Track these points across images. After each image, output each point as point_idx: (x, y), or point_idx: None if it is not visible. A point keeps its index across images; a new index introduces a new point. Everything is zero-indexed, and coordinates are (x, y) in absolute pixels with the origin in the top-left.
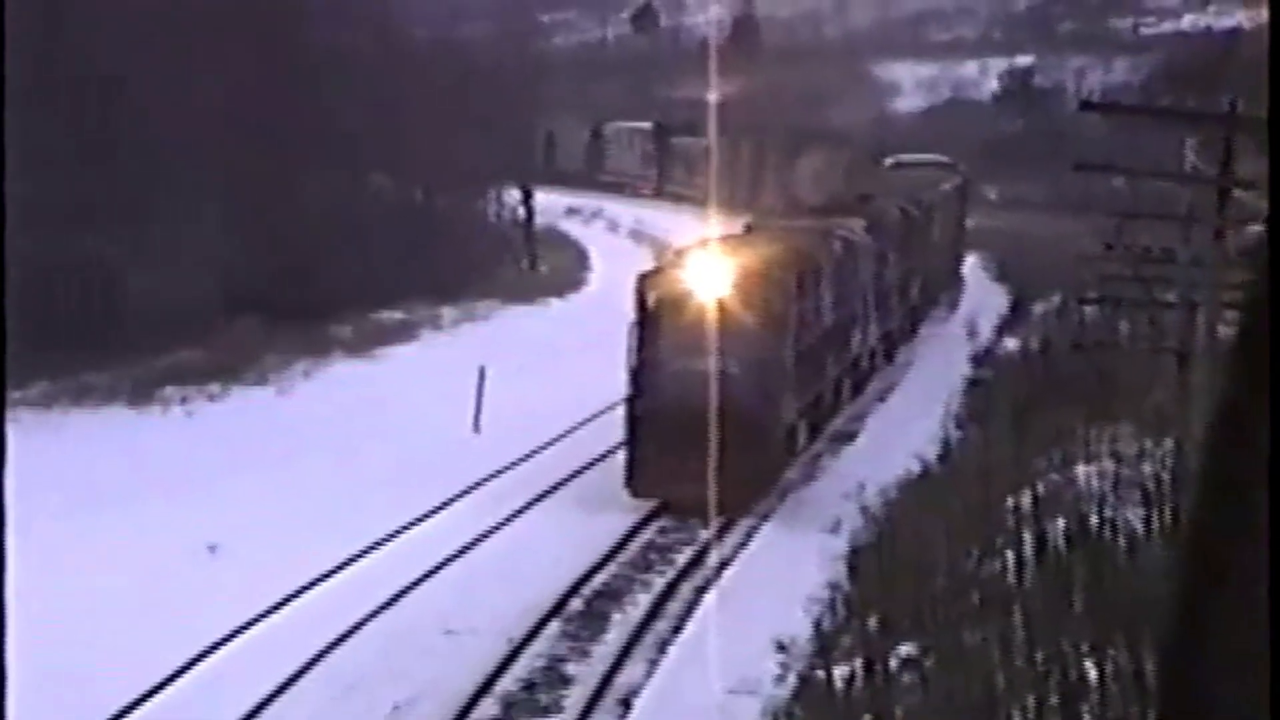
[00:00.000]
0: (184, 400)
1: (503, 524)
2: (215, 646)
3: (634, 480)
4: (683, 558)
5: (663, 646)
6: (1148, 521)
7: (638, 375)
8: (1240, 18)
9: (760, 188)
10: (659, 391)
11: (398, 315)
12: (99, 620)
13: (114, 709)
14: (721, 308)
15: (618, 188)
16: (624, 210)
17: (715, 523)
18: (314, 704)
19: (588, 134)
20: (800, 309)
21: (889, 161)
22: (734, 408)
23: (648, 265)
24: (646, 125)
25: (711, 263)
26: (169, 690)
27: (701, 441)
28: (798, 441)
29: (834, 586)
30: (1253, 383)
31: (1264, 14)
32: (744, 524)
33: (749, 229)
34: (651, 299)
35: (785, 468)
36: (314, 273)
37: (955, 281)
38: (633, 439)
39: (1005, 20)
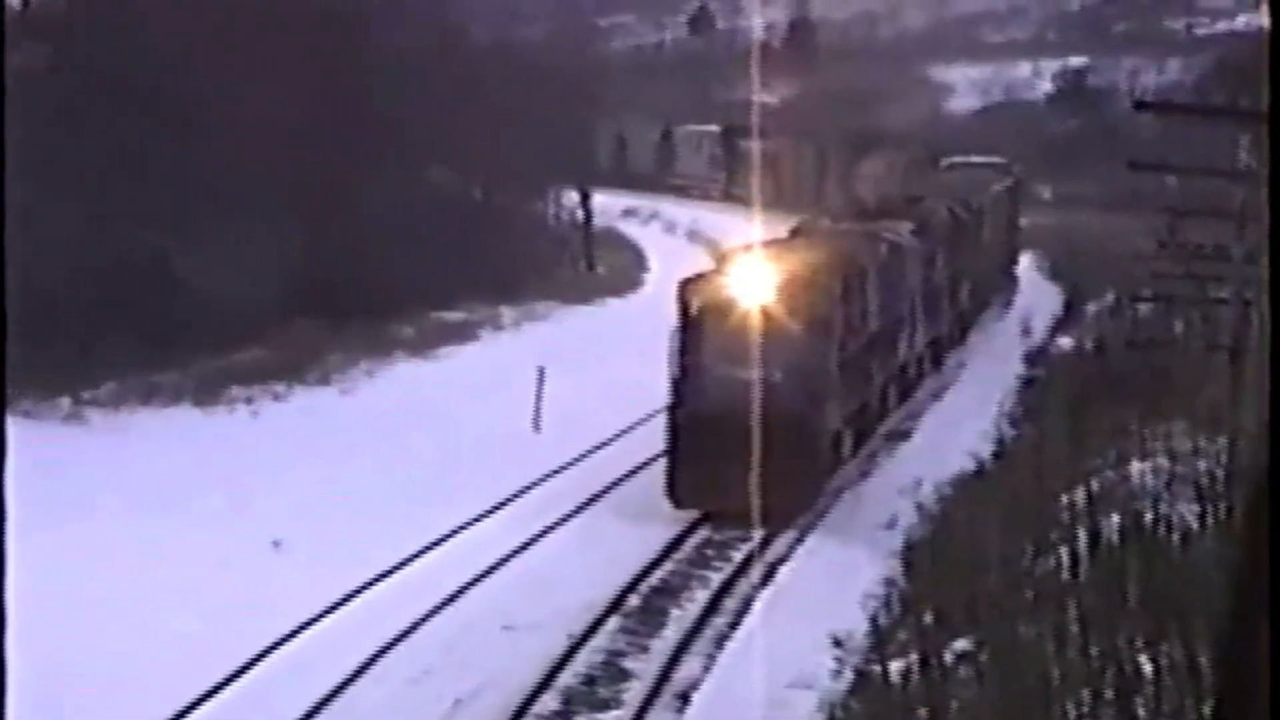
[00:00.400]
0: (249, 400)
1: (562, 521)
2: (280, 642)
3: (675, 490)
4: (739, 554)
5: (720, 642)
6: (1202, 517)
7: (679, 383)
8: None
9: (824, 189)
10: (701, 400)
11: (458, 315)
12: (167, 615)
13: (182, 703)
14: (765, 314)
15: (686, 190)
16: (681, 212)
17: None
18: (378, 698)
19: (658, 136)
20: (845, 314)
21: (944, 163)
22: (778, 416)
23: (704, 265)
24: (715, 128)
25: (755, 268)
26: (235, 685)
27: (744, 451)
28: (843, 450)
29: (889, 582)
30: None
31: None
32: (800, 520)
33: (795, 232)
34: (694, 305)
35: (831, 477)
36: (376, 274)
37: (1009, 281)
38: (674, 448)
39: (1059, 21)
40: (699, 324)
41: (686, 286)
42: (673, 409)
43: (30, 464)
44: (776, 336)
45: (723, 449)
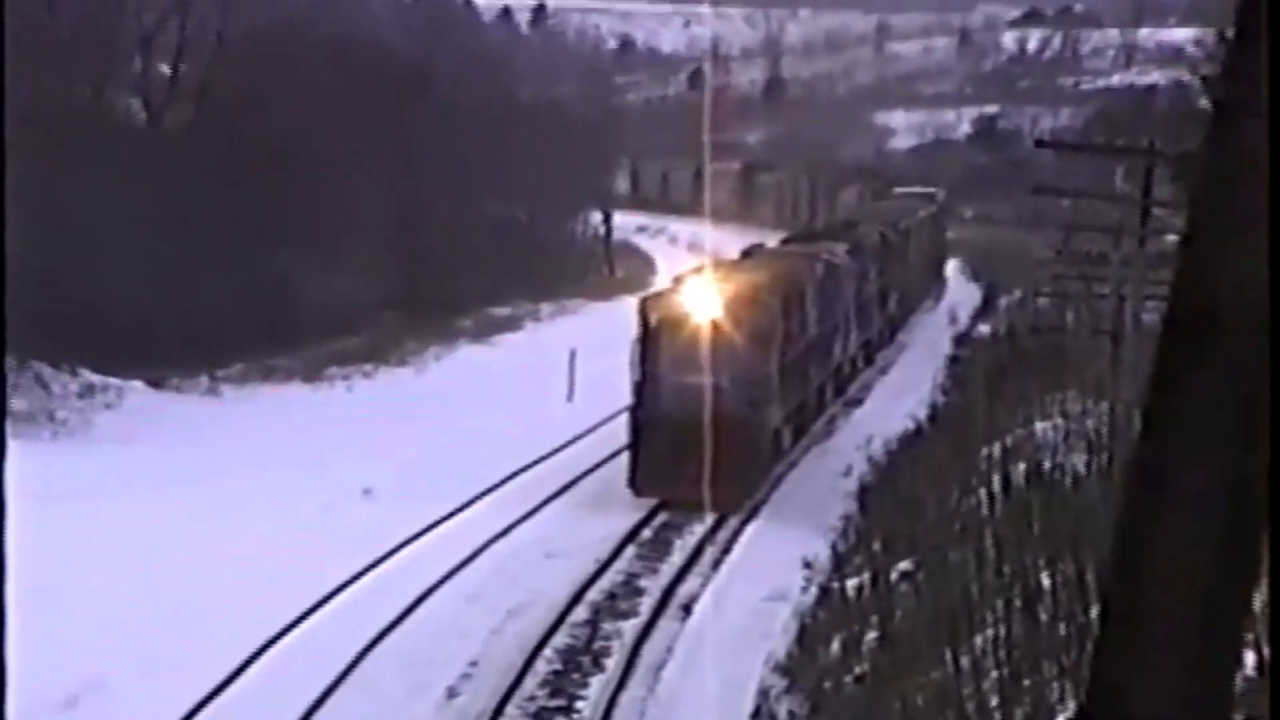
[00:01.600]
0: (345, 377)
1: (591, 471)
2: (370, 567)
3: (636, 481)
4: None
5: (715, 565)
6: (1089, 465)
7: (640, 387)
8: (1156, 76)
9: (815, 212)
10: (658, 403)
11: (507, 310)
12: (285, 545)
13: (299, 610)
14: (714, 327)
15: (710, 215)
16: (683, 228)
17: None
18: (448, 609)
19: (691, 173)
20: (785, 327)
21: (895, 192)
22: (725, 418)
23: (696, 268)
24: (736, 166)
25: (706, 287)
26: (339, 597)
27: (697, 448)
28: (783, 445)
29: (847, 518)
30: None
31: (1173, 74)
32: (778, 469)
33: (745, 254)
34: (653, 319)
35: (772, 469)
36: (444, 279)
37: (938, 282)
38: (635, 444)
39: (976, 78)
40: (657, 336)
41: (646, 302)
42: (634, 410)
43: (179, 424)
44: (724, 347)
45: (677, 446)
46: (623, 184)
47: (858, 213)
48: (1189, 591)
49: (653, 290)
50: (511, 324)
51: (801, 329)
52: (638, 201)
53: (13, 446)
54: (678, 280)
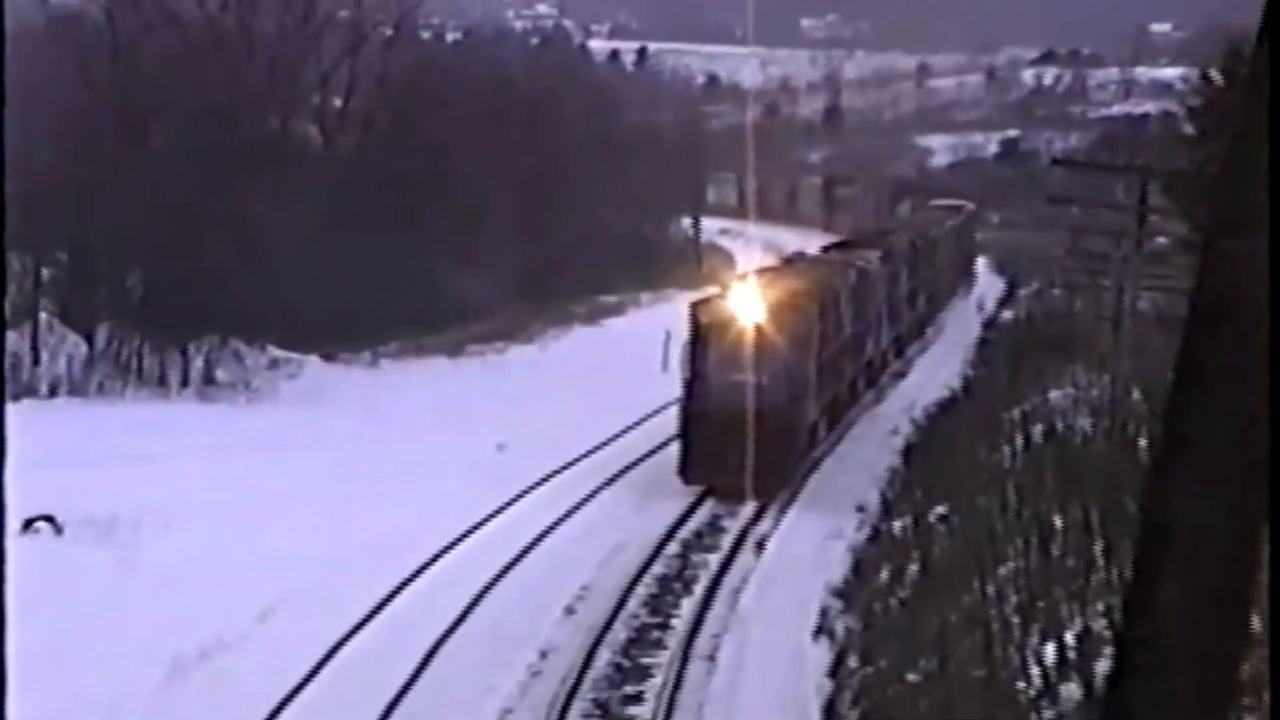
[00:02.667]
0: (481, 354)
1: None
2: (502, 509)
3: (686, 470)
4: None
5: (784, 509)
6: (1094, 426)
7: (690, 384)
8: (1150, 107)
9: (879, 221)
10: (707, 399)
11: (614, 298)
12: (431, 493)
13: (445, 541)
14: (758, 330)
15: (795, 221)
16: (759, 232)
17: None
18: (562, 545)
19: (768, 186)
20: (821, 329)
21: (932, 203)
22: (768, 413)
23: (770, 264)
24: (818, 180)
25: (750, 294)
26: (476, 534)
27: (740, 440)
28: (818, 436)
29: (893, 470)
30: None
31: (1163, 105)
32: (837, 430)
33: (787, 261)
34: (703, 322)
35: (808, 459)
36: (563, 274)
37: (969, 278)
38: (685, 435)
39: (1001, 107)
40: (705, 338)
41: (696, 307)
42: (684, 405)
43: (347, 391)
44: (767, 348)
45: (723, 438)
46: (710, 195)
47: (893, 222)
48: (1208, 525)
49: (708, 293)
50: (617, 309)
51: (837, 330)
52: (721, 209)
53: (216, 408)
54: (724, 287)
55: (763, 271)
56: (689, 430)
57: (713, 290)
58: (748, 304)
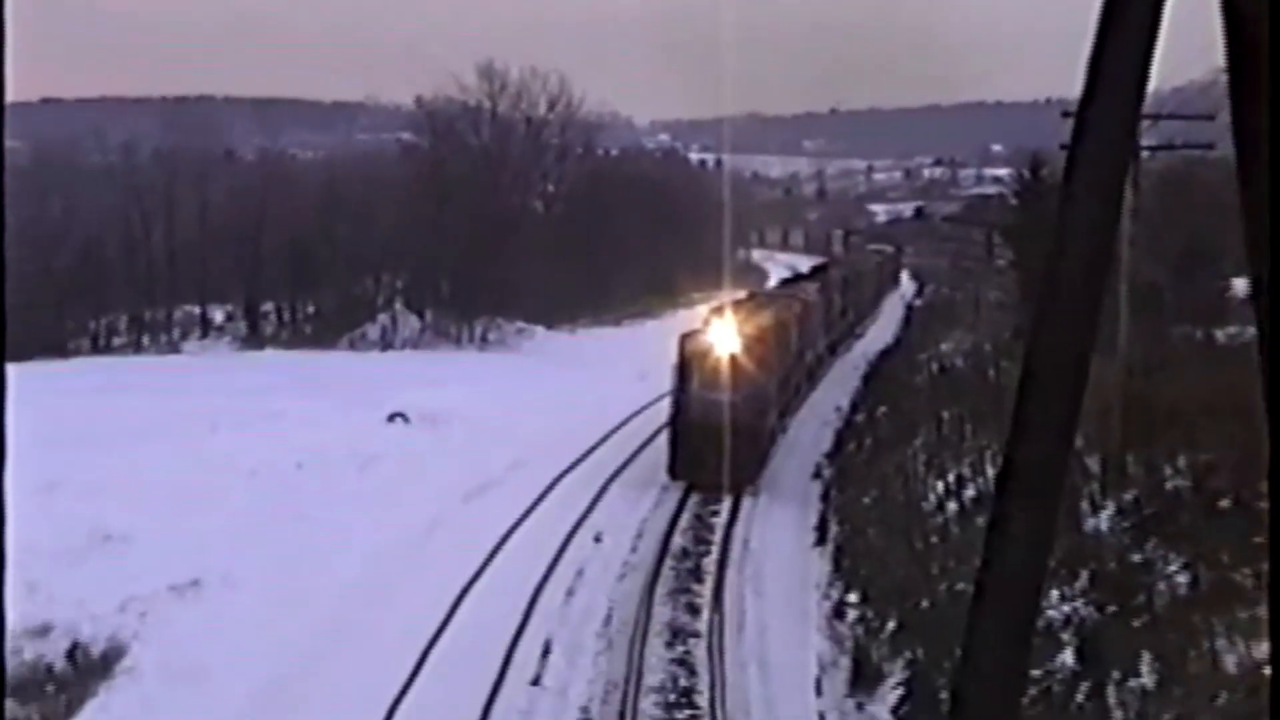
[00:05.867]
0: (632, 325)
1: None
2: (643, 409)
3: (674, 469)
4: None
5: (794, 412)
6: (966, 360)
7: (678, 401)
8: (991, 189)
9: (846, 252)
10: (692, 413)
11: (700, 294)
12: (601, 401)
13: (592, 442)
14: (731, 359)
15: (803, 253)
16: (785, 258)
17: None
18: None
19: (841, 235)
20: (779, 355)
21: (869, 247)
22: (739, 425)
23: (793, 278)
24: (841, 232)
25: (724, 330)
26: (635, 419)
27: (718, 446)
28: (775, 438)
29: (856, 390)
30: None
31: (999, 189)
32: (830, 360)
33: (750, 297)
34: (688, 351)
35: (768, 459)
36: (677, 278)
37: (895, 283)
38: (674, 442)
39: (913, 189)
40: (690, 364)
41: (683, 340)
42: (673, 417)
43: (557, 346)
44: (739, 373)
45: (704, 445)
46: (753, 238)
47: (833, 261)
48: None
49: (690, 332)
50: (703, 300)
51: (789, 352)
52: (762, 244)
53: (487, 356)
54: (705, 321)
55: (737, 304)
56: (677, 438)
57: (755, 289)
58: (722, 338)
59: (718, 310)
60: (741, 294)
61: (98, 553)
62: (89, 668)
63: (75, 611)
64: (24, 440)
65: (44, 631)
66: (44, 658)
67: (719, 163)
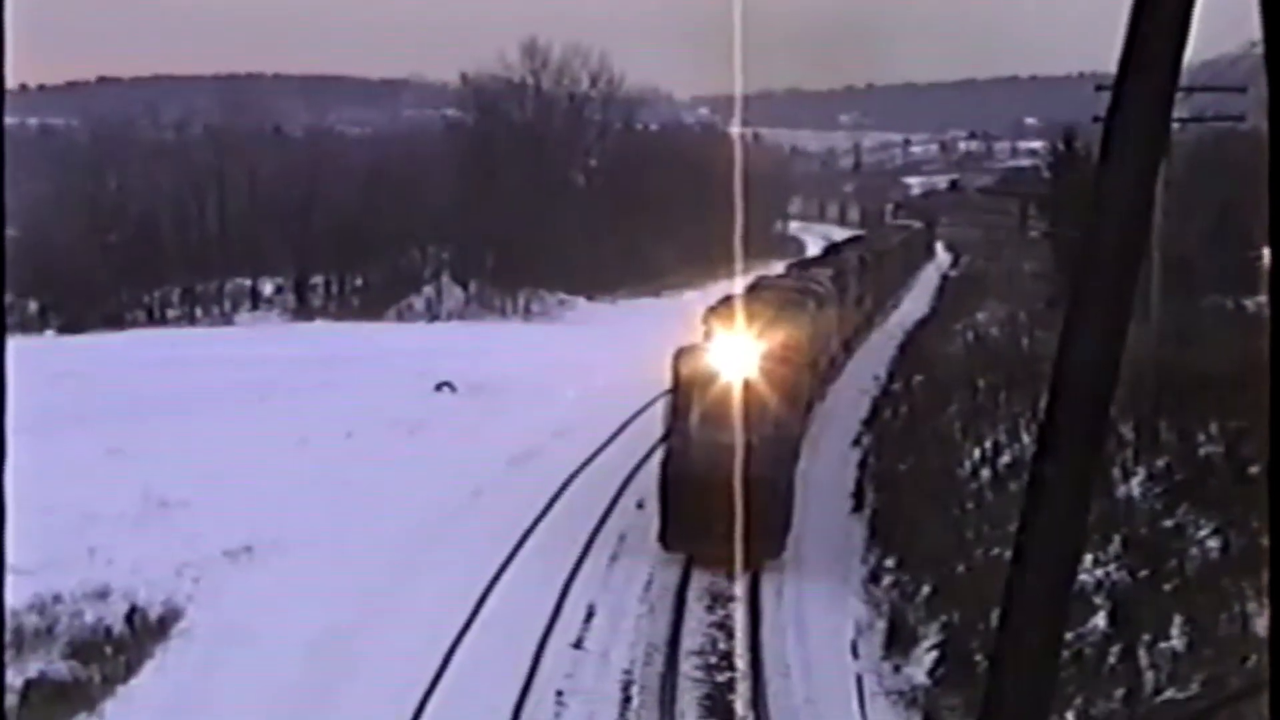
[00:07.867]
0: (671, 295)
1: None
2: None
3: (666, 537)
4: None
5: (830, 380)
6: (1001, 330)
7: (671, 442)
8: (1025, 161)
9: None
10: (690, 460)
11: (744, 264)
12: (644, 363)
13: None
14: (746, 387)
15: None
16: (820, 229)
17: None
18: None
19: (821, 204)
20: (801, 379)
21: (889, 222)
22: (755, 478)
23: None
24: (890, 205)
25: (734, 339)
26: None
27: (728, 507)
28: (799, 457)
29: (892, 359)
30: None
31: (1033, 161)
32: (867, 332)
33: (755, 285)
34: (684, 375)
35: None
36: (715, 250)
37: (929, 254)
38: (665, 500)
39: (948, 162)
40: (689, 392)
41: (678, 358)
42: (664, 467)
43: (598, 316)
44: (756, 407)
45: (707, 503)
46: (791, 208)
47: (845, 243)
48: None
49: (685, 348)
50: (746, 271)
51: (812, 366)
52: (800, 216)
53: (530, 326)
54: (705, 328)
55: (749, 296)
56: (669, 494)
57: (792, 259)
58: (733, 356)
59: (722, 310)
60: (778, 263)
61: (154, 518)
62: (146, 630)
63: (133, 576)
64: (90, 410)
65: (103, 595)
66: (104, 620)
67: (756, 137)
